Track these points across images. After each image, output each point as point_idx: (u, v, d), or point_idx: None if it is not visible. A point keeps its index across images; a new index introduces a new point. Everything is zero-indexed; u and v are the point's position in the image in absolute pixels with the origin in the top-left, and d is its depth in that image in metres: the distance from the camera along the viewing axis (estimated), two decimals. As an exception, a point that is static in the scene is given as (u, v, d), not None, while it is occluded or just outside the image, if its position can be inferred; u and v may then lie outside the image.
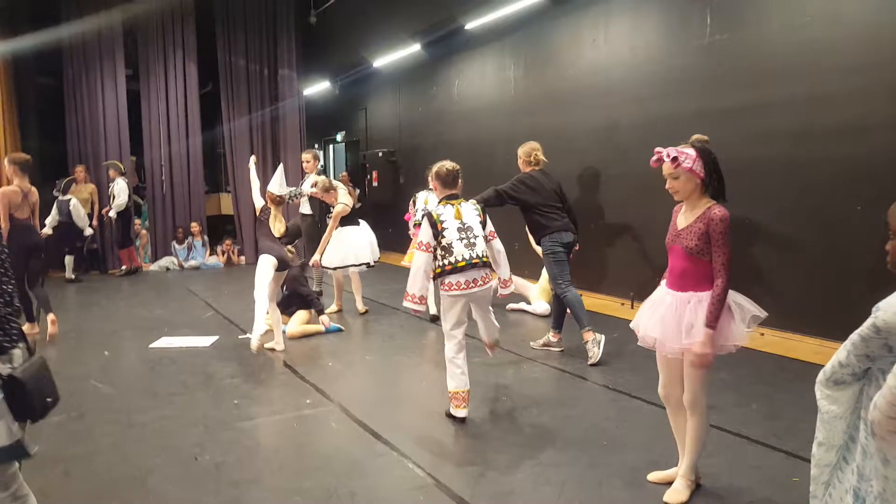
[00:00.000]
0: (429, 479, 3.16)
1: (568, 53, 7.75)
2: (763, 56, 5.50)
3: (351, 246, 6.82)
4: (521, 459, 3.37)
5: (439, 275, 3.85)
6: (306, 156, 7.86)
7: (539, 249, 5.48)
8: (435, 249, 3.84)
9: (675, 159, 2.76)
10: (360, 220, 7.14)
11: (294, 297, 6.24)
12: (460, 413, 3.89)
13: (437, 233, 3.82)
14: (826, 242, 5.11)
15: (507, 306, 7.08)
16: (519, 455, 3.42)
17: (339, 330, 6.27)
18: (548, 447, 3.51)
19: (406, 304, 3.91)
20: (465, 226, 3.87)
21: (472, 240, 3.85)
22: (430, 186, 6.86)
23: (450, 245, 3.81)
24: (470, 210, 3.95)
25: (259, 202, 5.70)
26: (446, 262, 3.80)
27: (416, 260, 3.87)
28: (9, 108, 9.93)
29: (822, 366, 1.97)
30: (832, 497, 1.91)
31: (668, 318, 2.81)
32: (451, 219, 3.86)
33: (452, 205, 3.92)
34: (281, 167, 5.97)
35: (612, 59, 7.07)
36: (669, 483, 2.98)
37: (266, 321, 5.27)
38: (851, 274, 4.89)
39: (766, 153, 5.43)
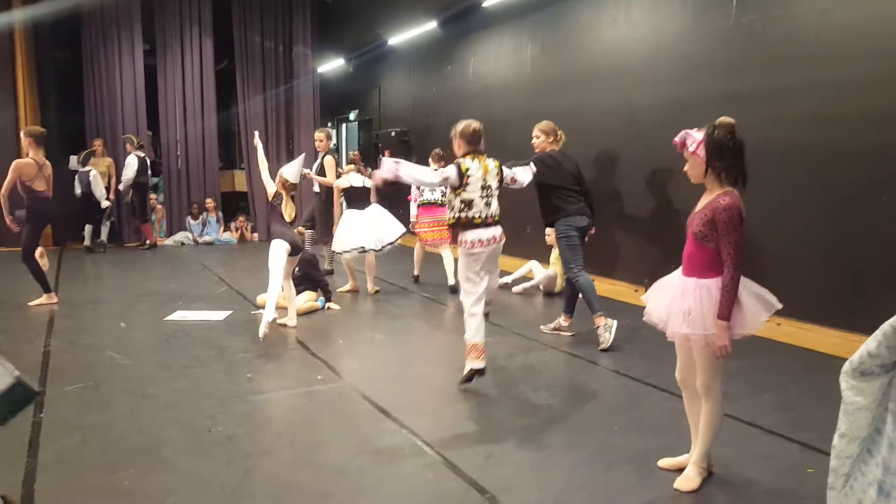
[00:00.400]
0: (437, 457, 3.19)
1: (587, 33, 7.66)
2: (789, 39, 5.38)
3: (359, 230, 6.71)
4: (530, 442, 3.39)
5: (455, 225, 4.02)
6: (319, 134, 7.83)
7: (550, 232, 5.41)
8: (454, 194, 3.98)
9: (682, 143, 2.78)
10: (375, 203, 7.03)
11: (305, 279, 6.28)
12: (478, 364, 3.99)
13: (461, 184, 3.94)
14: (850, 232, 4.99)
15: (513, 288, 7.11)
16: (527, 437, 3.44)
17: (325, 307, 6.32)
18: (557, 431, 3.53)
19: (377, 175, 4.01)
20: (486, 184, 4.02)
21: (489, 199, 4.02)
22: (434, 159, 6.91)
23: (471, 201, 3.96)
24: (493, 168, 4.10)
25: (271, 187, 5.53)
26: (465, 215, 3.96)
27: (411, 169, 3.98)
28: (28, 82, 10.01)
29: (841, 358, 1.93)
30: (853, 489, 1.87)
31: (672, 301, 2.83)
32: (476, 174, 3.99)
33: (479, 161, 4.04)
34: (303, 156, 5.91)
35: (633, 40, 6.97)
36: (680, 470, 2.97)
37: (280, 298, 5.31)
38: (874, 265, 4.79)
39: (789, 138, 5.34)
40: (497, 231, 4.05)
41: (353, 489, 2.88)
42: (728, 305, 2.67)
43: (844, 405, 1.91)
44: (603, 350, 4.91)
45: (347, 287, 7.07)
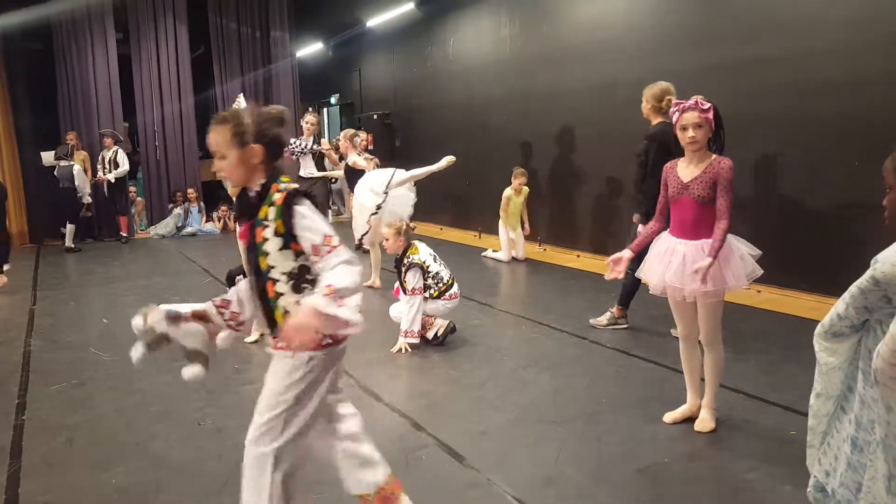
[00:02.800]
0: (430, 438, 3.19)
1: (564, 10, 7.60)
2: (760, 10, 5.39)
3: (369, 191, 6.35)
4: (521, 418, 3.40)
5: (440, 296, 4.62)
6: (311, 118, 7.66)
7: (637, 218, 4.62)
8: (425, 287, 4.56)
9: (708, 108, 2.92)
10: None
11: None
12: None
13: (426, 274, 4.56)
14: (823, 198, 5.09)
15: (482, 254, 7.64)
16: (519, 414, 3.45)
17: None
18: (548, 405, 3.54)
19: (407, 340, 4.49)
20: (431, 254, 4.70)
21: (439, 260, 4.71)
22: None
23: (437, 272, 4.62)
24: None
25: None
26: (442, 284, 4.63)
27: (416, 303, 4.49)
28: (-1, 78, 9.79)
29: (818, 321, 1.98)
30: (830, 446, 1.93)
31: (686, 266, 2.94)
32: (427, 256, 4.63)
33: (419, 246, 4.67)
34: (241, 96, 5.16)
35: (610, 16, 6.93)
36: (686, 420, 3.22)
37: None
38: (848, 230, 4.87)
39: (763, 108, 5.37)
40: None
41: (346, 476, 2.86)
42: (719, 247, 2.88)
43: (819, 366, 1.97)
44: (592, 325, 4.91)
45: (367, 283, 6.55)
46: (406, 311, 4.52)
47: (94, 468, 2.99)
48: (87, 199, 9.76)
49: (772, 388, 3.63)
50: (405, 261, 4.58)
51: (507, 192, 7.53)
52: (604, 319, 4.93)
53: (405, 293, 4.57)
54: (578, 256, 7.56)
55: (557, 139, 7.82)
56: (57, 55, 10.40)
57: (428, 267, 4.59)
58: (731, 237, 2.97)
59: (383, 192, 6.09)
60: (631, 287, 4.76)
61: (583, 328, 4.92)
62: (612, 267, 3.08)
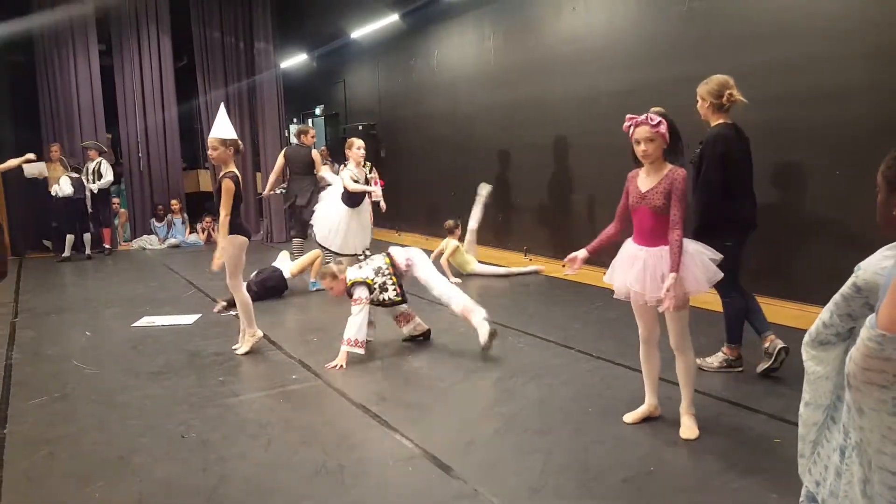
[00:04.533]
0: (416, 449, 3.18)
1: (547, 22, 7.67)
2: (742, 21, 5.47)
3: (351, 234, 6.62)
4: (508, 428, 3.39)
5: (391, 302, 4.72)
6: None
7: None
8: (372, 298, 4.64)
9: (658, 123, 2.99)
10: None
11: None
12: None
13: (372, 289, 4.63)
14: (805, 208, 5.15)
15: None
16: (505, 424, 3.44)
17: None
18: (534, 415, 3.54)
19: (350, 349, 4.42)
20: (373, 268, 4.72)
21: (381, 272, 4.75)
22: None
23: (384, 284, 4.68)
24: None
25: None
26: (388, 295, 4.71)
27: (362, 312, 4.49)
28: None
29: (803, 330, 1.99)
30: (820, 456, 1.93)
31: (647, 272, 3.08)
32: (368, 272, 4.67)
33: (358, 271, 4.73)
34: (222, 107, 4.91)
35: (592, 27, 7.00)
36: (645, 420, 3.35)
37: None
38: (831, 238, 4.94)
39: (744, 118, 5.41)
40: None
41: (332, 488, 2.85)
42: (678, 259, 2.98)
43: (807, 375, 1.97)
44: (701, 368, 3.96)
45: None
46: (351, 320, 4.49)
47: (77, 482, 2.95)
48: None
49: (756, 396, 3.66)
50: (350, 290, 4.62)
51: (453, 242, 7.37)
52: (714, 361, 4.11)
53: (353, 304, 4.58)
54: (563, 266, 7.58)
55: (541, 149, 7.87)
56: (39, 67, 10.31)
57: (372, 281, 4.64)
58: (690, 243, 3.09)
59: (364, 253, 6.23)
60: (739, 315, 4.02)
61: (568, 337, 4.93)
62: (570, 265, 3.30)
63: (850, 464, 1.74)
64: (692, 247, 3.09)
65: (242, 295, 4.77)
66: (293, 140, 8.36)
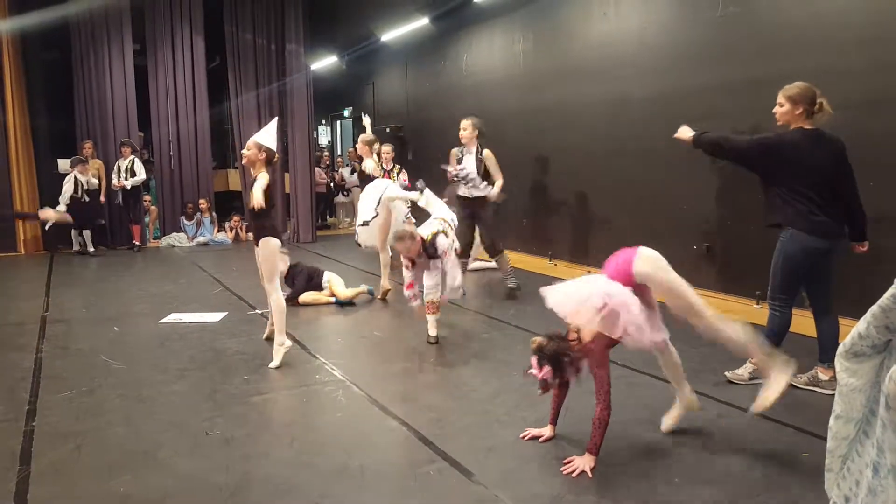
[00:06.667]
0: (438, 454, 3.17)
1: (578, 27, 7.63)
2: (776, 28, 5.39)
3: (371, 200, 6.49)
4: (530, 435, 3.37)
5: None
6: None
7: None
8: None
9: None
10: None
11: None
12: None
13: (447, 234, 5.00)
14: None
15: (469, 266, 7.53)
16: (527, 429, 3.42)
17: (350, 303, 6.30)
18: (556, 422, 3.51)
19: (454, 296, 5.18)
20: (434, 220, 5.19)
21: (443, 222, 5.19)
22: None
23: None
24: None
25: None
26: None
27: (456, 263, 5.01)
28: (16, 84, 9.92)
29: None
30: (850, 471, 1.88)
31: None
32: (435, 226, 5.04)
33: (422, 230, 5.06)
34: (275, 120, 4.99)
35: (623, 33, 6.95)
36: (685, 431, 3.30)
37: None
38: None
39: (777, 127, 5.34)
40: None
41: (354, 488, 2.85)
42: (599, 441, 2.97)
43: (839, 387, 1.92)
44: (728, 381, 4.02)
45: (381, 290, 6.54)
46: (451, 271, 4.88)
47: (102, 475, 2.99)
48: (62, 207, 9.83)
49: (782, 409, 3.57)
50: (428, 248, 4.86)
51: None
52: (745, 373, 3.99)
53: (434, 268, 4.91)
54: (589, 272, 7.52)
55: (570, 154, 7.82)
56: (75, 64, 10.53)
57: (444, 231, 4.96)
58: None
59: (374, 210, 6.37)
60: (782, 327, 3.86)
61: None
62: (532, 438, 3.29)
63: (885, 486, 1.70)
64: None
65: (278, 298, 4.69)
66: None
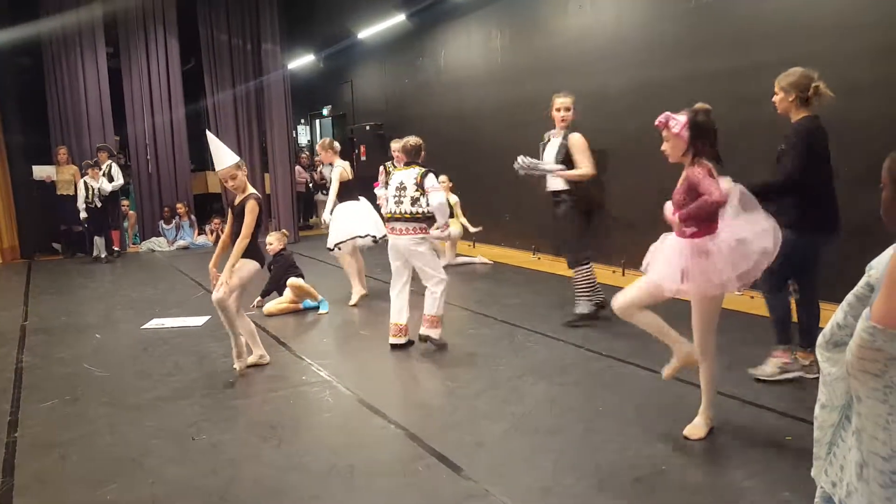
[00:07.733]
0: (426, 450, 3.17)
1: (554, 21, 7.65)
2: (749, 19, 5.45)
3: (354, 219, 6.37)
4: (518, 428, 3.38)
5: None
6: (565, 100, 5.60)
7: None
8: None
9: (665, 124, 3.02)
10: (360, 197, 6.63)
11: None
12: (391, 341, 4.81)
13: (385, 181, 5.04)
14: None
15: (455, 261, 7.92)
16: (515, 424, 3.43)
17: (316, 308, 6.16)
18: (544, 415, 3.53)
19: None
20: (401, 185, 4.72)
21: (402, 198, 4.69)
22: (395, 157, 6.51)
23: (386, 199, 4.82)
24: (411, 174, 4.72)
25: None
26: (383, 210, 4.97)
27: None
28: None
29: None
30: (836, 456, 1.92)
31: (668, 260, 3.04)
32: (395, 178, 4.79)
33: (405, 169, 4.81)
34: (209, 134, 4.70)
35: (599, 26, 6.98)
36: (684, 366, 3.20)
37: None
38: (845, 236, 4.88)
39: (754, 116, 5.40)
40: (400, 225, 4.66)
41: (344, 488, 2.84)
42: (691, 214, 2.92)
43: (822, 376, 1.96)
44: (757, 379, 3.85)
45: (356, 297, 6.42)
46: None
47: (88, 485, 2.96)
48: (84, 215, 9.72)
49: (767, 394, 3.64)
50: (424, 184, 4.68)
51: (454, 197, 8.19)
52: (768, 368, 3.86)
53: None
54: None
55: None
56: (47, 70, 10.36)
57: (389, 179, 5.05)
58: (746, 231, 2.92)
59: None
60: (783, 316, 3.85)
61: (578, 336, 4.91)
62: None
63: (850, 445, 1.77)
64: (741, 229, 2.92)
65: (246, 322, 4.50)
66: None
